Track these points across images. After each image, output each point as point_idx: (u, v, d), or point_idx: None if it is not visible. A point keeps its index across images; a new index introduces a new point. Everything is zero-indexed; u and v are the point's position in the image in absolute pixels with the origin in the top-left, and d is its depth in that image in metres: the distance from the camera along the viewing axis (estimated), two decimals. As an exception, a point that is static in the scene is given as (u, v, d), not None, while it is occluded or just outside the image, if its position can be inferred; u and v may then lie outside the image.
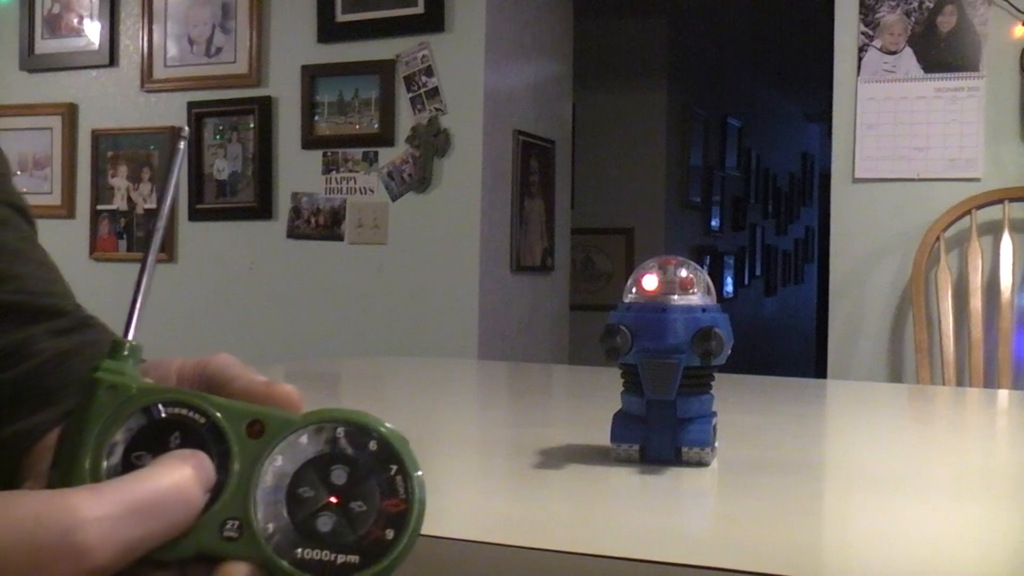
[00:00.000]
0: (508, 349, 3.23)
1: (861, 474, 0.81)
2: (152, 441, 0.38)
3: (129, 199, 3.59)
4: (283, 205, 3.36)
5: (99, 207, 3.63)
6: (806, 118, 7.97)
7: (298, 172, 3.33)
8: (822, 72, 2.94)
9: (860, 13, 2.57)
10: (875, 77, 2.56)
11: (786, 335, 7.50)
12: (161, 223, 0.42)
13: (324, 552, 0.37)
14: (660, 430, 0.76)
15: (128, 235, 3.59)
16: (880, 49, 2.55)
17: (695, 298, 0.76)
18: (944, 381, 2.34)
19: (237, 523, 0.38)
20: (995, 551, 0.60)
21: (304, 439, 0.39)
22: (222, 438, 0.39)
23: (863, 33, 2.57)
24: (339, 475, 0.38)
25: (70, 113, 3.65)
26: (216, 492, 0.38)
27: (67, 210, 3.64)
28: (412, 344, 3.13)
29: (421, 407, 1.22)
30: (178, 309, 3.43)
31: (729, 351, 0.75)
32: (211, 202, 3.45)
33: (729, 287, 6.21)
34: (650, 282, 0.76)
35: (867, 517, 0.66)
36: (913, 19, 2.53)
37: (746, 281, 6.57)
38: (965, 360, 2.40)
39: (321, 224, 3.29)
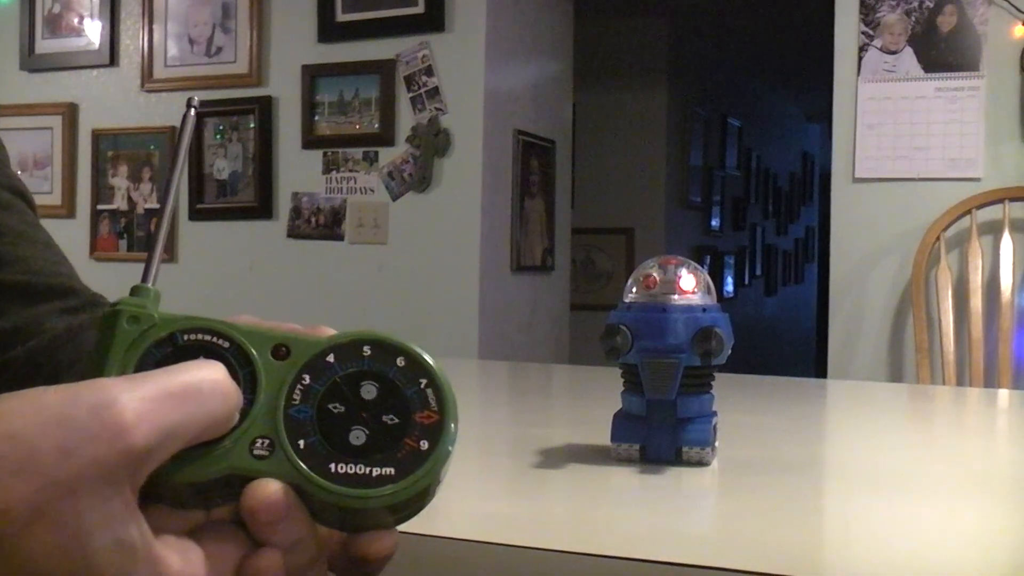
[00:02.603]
0: (508, 349, 3.22)
1: (861, 474, 0.81)
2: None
3: (129, 199, 3.59)
4: (283, 205, 3.36)
5: (99, 207, 3.63)
6: (806, 118, 7.97)
7: (298, 172, 3.33)
8: (822, 72, 2.94)
9: (860, 13, 2.57)
10: (875, 77, 2.56)
11: (786, 335, 7.50)
12: (175, 183, 0.41)
13: (359, 466, 0.37)
14: (660, 430, 0.76)
15: (128, 235, 3.59)
16: (880, 49, 2.55)
17: (695, 298, 0.76)
18: (944, 381, 2.34)
19: (268, 441, 0.37)
20: (995, 551, 0.60)
21: (331, 358, 0.38)
22: (248, 361, 0.38)
23: (863, 33, 2.57)
24: (369, 390, 0.38)
25: (70, 113, 3.65)
26: (244, 413, 0.37)
27: (67, 210, 3.65)
28: (412, 344, 3.12)
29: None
30: (178, 309, 3.42)
31: (729, 351, 0.75)
32: (211, 202, 3.45)
33: (729, 287, 6.21)
34: (650, 282, 0.76)
35: (867, 517, 0.66)
36: (913, 19, 2.53)
37: (746, 281, 6.57)
38: (965, 360, 2.40)
39: (321, 224, 3.29)
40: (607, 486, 0.74)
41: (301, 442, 0.37)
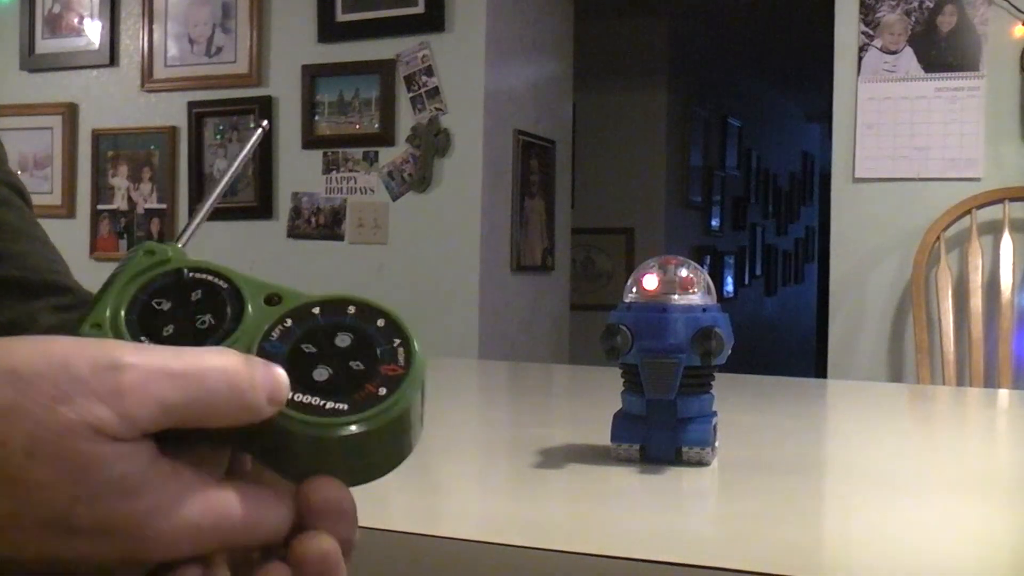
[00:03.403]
0: (508, 349, 3.22)
1: (861, 474, 0.81)
2: (174, 293, 0.41)
3: (129, 199, 3.59)
4: (283, 205, 3.36)
5: (99, 207, 3.63)
6: (806, 118, 7.97)
7: (298, 172, 3.33)
8: (822, 72, 2.94)
9: (860, 13, 2.57)
10: (875, 77, 2.56)
11: (786, 335, 7.50)
12: (233, 170, 0.46)
13: (315, 397, 0.38)
14: (660, 430, 0.76)
15: (129, 235, 3.59)
16: (880, 49, 2.55)
17: (695, 298, 0.76)
18: (944, 381, 2.34)
19: None
20: (995, 551, 0.60)
21: (316, 310, 0.40)
22: (240, 301, 0.40)
23: (863, 33, 2.57)
24: (343, 340, 0.39)
25: (70, 113, 3.65)
26: (223, 340, 0.39)
27: (67, 210, 3.65)
28: (412, 344, 3.12)
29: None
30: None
31: (729, 351, 0.75)
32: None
33: (729, 287, 6.21)
34: (650, 282, 0.76)
35: (867, 517, 0.66)
36: (913, 19, 2.53)
37: (746, 281, 6.57)
38: (965, 360, 2.40)
39: (321, 224, 3.29)
40: (607, 486, 0.74)
41: None
